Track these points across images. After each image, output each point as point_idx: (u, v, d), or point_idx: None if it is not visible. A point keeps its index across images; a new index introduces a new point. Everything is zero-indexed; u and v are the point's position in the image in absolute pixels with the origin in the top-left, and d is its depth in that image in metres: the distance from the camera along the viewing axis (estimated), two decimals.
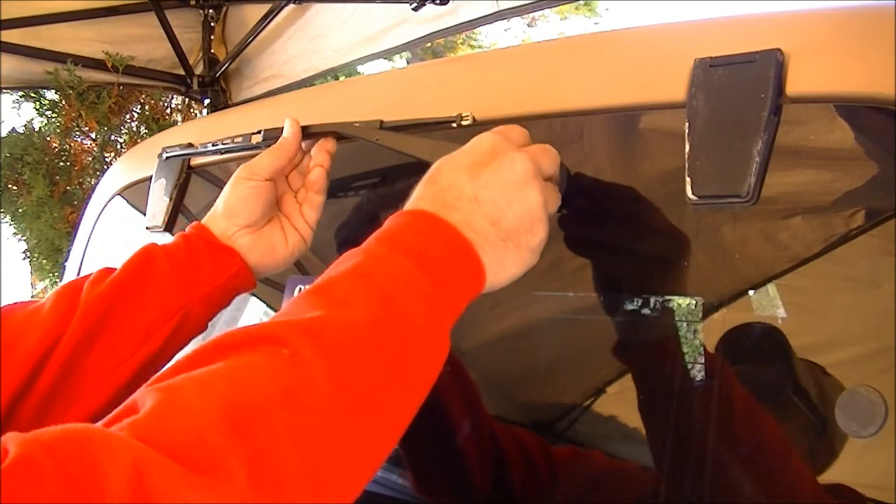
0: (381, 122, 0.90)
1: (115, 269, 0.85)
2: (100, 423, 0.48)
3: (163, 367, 0.85)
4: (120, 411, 0.49)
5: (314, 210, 0.91)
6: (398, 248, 0.61)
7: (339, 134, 0.92)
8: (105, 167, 3.01)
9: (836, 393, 0.62)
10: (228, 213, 0.87)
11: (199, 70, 2.90)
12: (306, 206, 0.92)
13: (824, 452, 0.64)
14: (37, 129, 3.25)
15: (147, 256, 0.85)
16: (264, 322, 0.56)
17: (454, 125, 0.85)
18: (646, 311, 0.72)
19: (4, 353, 0.75)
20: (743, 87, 0.67)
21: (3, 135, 3.20)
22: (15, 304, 0.83)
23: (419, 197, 0.66)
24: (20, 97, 3.25)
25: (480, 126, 0.75)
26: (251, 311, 1.21)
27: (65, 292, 0.82)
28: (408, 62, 6.50)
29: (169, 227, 1.24)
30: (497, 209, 0.64)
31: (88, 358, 0.79)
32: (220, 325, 1.21)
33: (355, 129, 0.90)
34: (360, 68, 3.31)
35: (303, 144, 0.91)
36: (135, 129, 3.29)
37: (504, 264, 0.64)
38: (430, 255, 0.61)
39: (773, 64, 0.66)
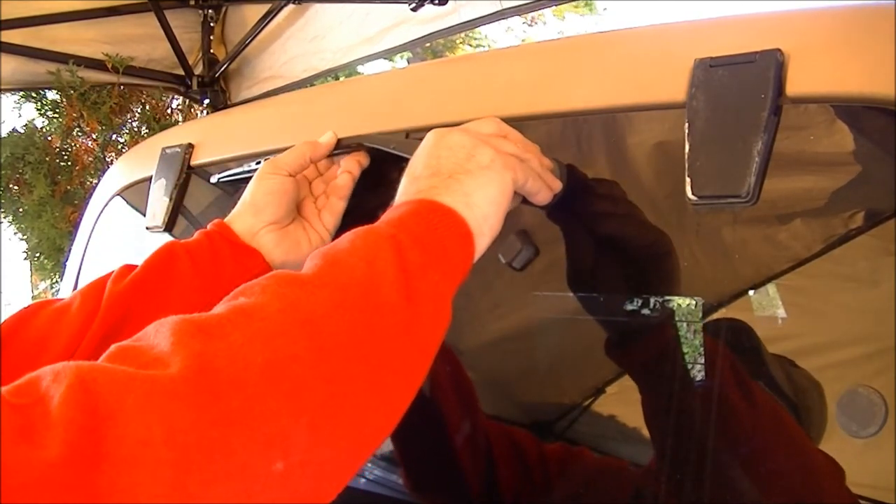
0: (407, 132, 0.89)
1: (136, 266, 0.84)
2: None
3: None
4: None
5: (333, 216, 0.92)
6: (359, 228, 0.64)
7: (370, 147, 0.90)
8: (106, 167, 3.01)
9: (807, 383, 0.62)
10: (255, 208, 0.88)
11: (198, 70, 2.90)
12: (326, 213, 0.93)
13: None
14: (38, 128, 3.25)
15: (169, 255, 0.84)
16: None
17: None
18: (646, 311, 0.72)
19: (35, 352, 0.75)
20: (743, 88, 0.67)
21: (5, 135, 3.19)
22: (40, 302, 0.82)
23: None
24: (21, 97, 3.24)
25: None
26: None
27: (90, 290, 0.82)
28: (408, 62, 6.50)
29: (169, 227, 1.24)
30: (430, 167, 0.69)
31: None
32: None
33: (395, 144, 0.88)
34: (360, 68, 3.31)
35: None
36: (136, 128, 3.29)
37: (467, 192, 0.66)
38: (390, 215, 0.64)
39: (773, 64, 0.66)
